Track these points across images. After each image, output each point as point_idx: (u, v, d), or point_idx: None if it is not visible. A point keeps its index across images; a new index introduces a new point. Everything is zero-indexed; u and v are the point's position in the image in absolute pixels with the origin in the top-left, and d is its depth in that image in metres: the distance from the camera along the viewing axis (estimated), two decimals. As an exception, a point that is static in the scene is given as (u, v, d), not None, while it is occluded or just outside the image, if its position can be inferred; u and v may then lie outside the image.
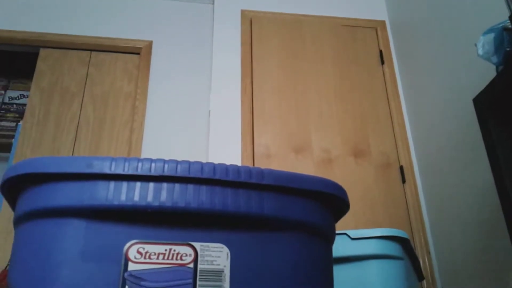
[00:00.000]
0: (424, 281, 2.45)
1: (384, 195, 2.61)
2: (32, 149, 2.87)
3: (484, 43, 1.53)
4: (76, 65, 3.19)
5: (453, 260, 2.31)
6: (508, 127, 1.38)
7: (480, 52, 1.53)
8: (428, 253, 2.50)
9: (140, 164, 0.68)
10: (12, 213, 2.65)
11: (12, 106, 3.53)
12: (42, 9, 3.31)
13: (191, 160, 0.70)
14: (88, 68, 3.19)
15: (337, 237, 1.35)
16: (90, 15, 3.35)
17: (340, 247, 1.33)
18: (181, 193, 0.67)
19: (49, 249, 0.65)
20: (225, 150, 2.59)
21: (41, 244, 0.66)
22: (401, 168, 2.69)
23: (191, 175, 0.69)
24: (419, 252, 2.49)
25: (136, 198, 0.66)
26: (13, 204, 0.76)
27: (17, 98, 3.58)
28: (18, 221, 0.71)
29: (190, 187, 0.68)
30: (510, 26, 1.47)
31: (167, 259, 0.65)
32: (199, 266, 0.66)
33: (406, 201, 2.62)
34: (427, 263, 2.47)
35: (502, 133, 1.37)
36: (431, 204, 2.56)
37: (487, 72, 2.04)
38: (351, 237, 1.34)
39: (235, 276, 0.67)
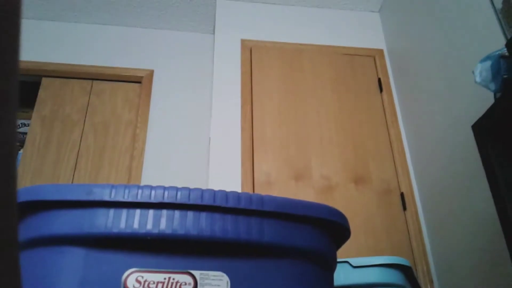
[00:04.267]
0: (428, 311, 2.40)
1: (385, 222, 2.59)
2: (32, 177, 2.87)
3: (481, 70, 1.55)
4: (77, 94, 3.22)
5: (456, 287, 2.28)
6: (508, 153, 1.39)
7: (478, 79, 1.55)
8: (431, 281, 2.46)
9: (140, 191, 0.68)
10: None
11: (13, 134, 3.54)
12: (44, 38, 3.36)
13: (191, 187, 0.70)
14: (89, 96, 3.22)
15: (338, 265, 1.33)
16: (91, 45, 3.40)
17: (341, 276, 1.31)
18: (181, 220, 0.67)
19: (48, 278, 0.64)
20: (225, 177, 2.59)
21: (40, 273, 0.65)
22: (402, 195, 2.68)
23: (191, 202, 0.68)
24: (421, 280, 2.46)
25: (136, 225, 0.66)
26: (12, 232, 0.75)
27: (18, 127, 3.59)
28: (17, 250, 0.70)
29: (190, 214, 0.68)
30: (506, 54, 1.49)
31: None
32: (199, 295, 0.65)
33: (408, 228, 2.59)
34: (430, 292, 2.43)
35: (501, 159, 1.37)
36: (433, 231, 2.54)
37: (485, 99, 2.06)
38: (353, 265, 1.33)
39: (235, 305, 0.66)
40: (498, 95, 1.52)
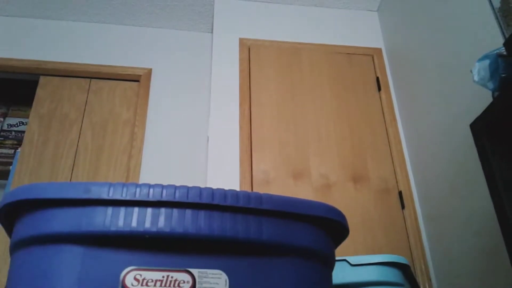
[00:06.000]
0: (426, 309, 2.41)
1: (384, 221, 2.59)
2: (30, 176, 2.86)
3: (479, 70, 1.55)
4: (76, 92, 3.21)
5: (454, 286, 2.28)
6: (506, 152, 1.39)
7: (476, 78, 1.55)
8: (429, 279, 2.46)
9: (138, 190, 0.68)
10: (9, 239, 2.63)
11: (11, 133, 3.54)
12: (43, 37, 3.35)
13: (190, 186, 0.70)
14: (87, 95, 3.21)
15: (336, 264, 1.33)
16: (90, 43, 3.39)
17: (339, 274, 1.32)
18: (179, 219, 0.67)
19: (45, 277, 0.64)
20: (224, 176, 2.59)
21: (37, 272, 0.65)
22: (400, 193, 2.69)
23: (190, 200, 0.68)
24: (419, 279, 2.46)
25: (134, 224, 0.66)
26: (10, 230, 0.75)
27: (16, 125, 3.58)
28: (15, 248, 0.70)
29: (188, 212, 0.68)
30: (504, 53, 1.49)
31: (165, 286, 0.64)
32: (197, 293, 0.65)
33: (406, 227, 2.60)
34: (428, 290, 2.44)
35: (499, 158, 1.37)
36: (431, 230, 2.54)
37: (484, 98, 2.06)
38: (351, 263, 1.33)
39: (233, 303, 0.66)
40: (496, 94, 1.52)
